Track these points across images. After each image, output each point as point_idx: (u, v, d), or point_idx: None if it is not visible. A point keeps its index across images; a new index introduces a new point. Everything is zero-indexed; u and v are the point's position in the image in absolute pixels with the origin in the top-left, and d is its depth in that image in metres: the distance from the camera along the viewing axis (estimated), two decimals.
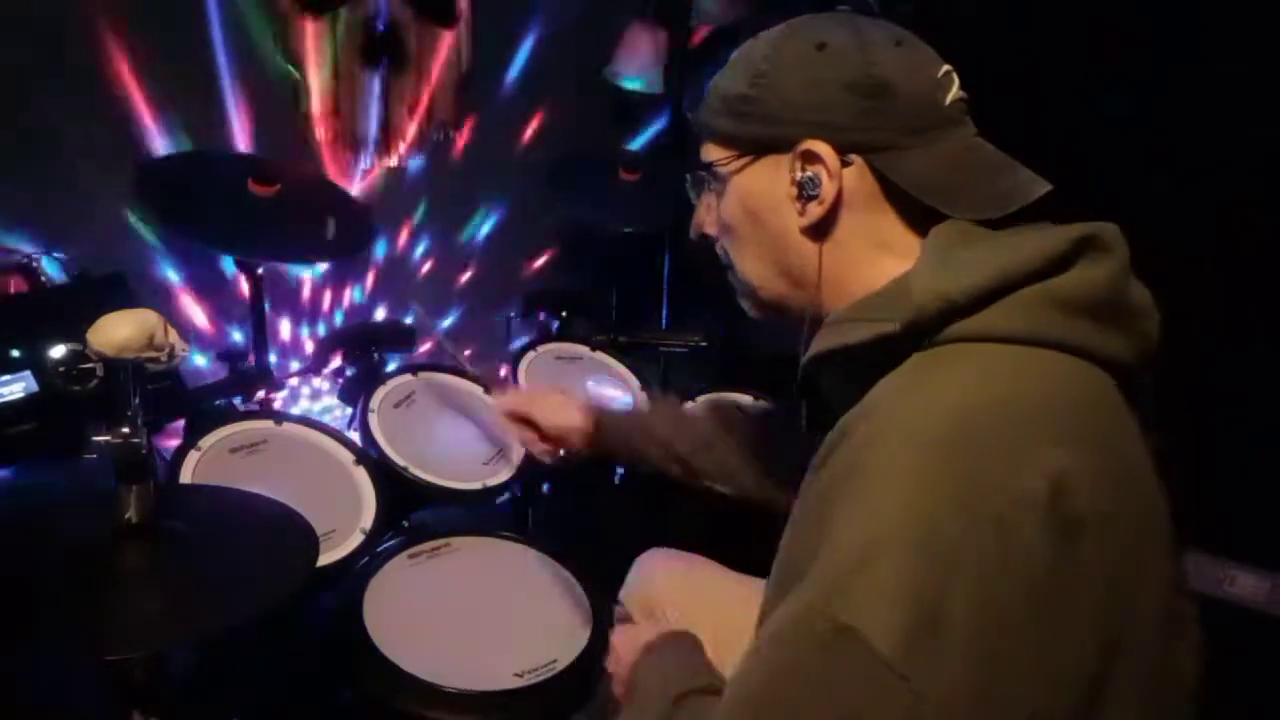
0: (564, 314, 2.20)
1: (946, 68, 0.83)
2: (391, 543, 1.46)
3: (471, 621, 1.34)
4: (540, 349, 2.03)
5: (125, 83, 1.98)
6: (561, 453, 1.40)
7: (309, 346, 2.45)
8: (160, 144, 2.04)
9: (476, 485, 1.63)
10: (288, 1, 2.16)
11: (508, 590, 1.42)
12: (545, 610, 1.38)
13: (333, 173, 2.35)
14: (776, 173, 0.85)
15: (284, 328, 2.41)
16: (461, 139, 2.57)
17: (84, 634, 0.91)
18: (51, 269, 1.64)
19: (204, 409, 1.68)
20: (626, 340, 2.16)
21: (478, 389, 1.84)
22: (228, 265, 2.19)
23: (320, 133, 2.30)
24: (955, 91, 0.83)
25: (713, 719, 0.71)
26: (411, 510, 1.66)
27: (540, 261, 2.88)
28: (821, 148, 0.81)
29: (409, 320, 1.24)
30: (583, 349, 2.09)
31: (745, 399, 2.04)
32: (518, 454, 1.73)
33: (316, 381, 2.34)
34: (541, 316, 2.22)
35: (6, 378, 1.37)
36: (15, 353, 1.39)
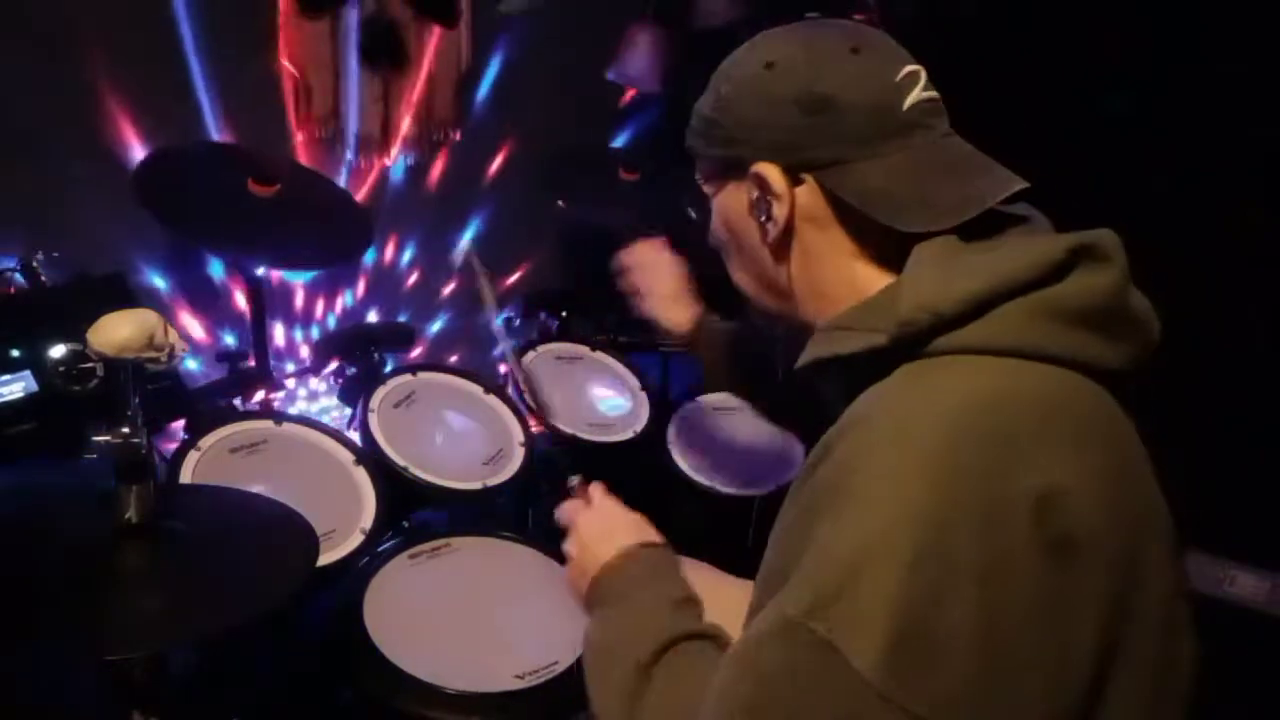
0: (564, 314, 2.20)
1: (909, 69, 0.81)
2: (391, 543, 1.46)
3: (472, 622, 1.34)
4: (540, 349, 2.03)
5: (125, 82, 1.98)
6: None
7: (303, 349, 2.45)
8: (160, 145, 2.04)
9: (476, 485, 1.63)
10: (288, 2, 2.16)
11: (508, 590, 1.42)
12: (546, 611, 1.38)
13: (332, 173, 2.35)
14: (738, 193, 0.87)
15: (277, 331, 2.40)
16: (460, 139, 2.56)
17: (84, 634, 0.91)
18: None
19: (204, 409, 1.68)
20: (626, 340, 2.16)
21: (477, 388, 1.84)
22: (228, 265, 2.19)
23: (320, 133, 2.30)
24: (918, 93, 0.81)
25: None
26: (411, 510, 1.66)
27: (537, 262, 2.87)
28: (768, 169, 0.83)
29: (458, 254, 1.28)
30: (583, 349, 2.09)
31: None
32: (518, 454, 1.73)
33: (316, 382, 2.34)
34: (541, 316, 2.22)
35: (6, 378, 1.37)
36: (15, 353, 1.39)
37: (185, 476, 1.38)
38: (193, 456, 1.41)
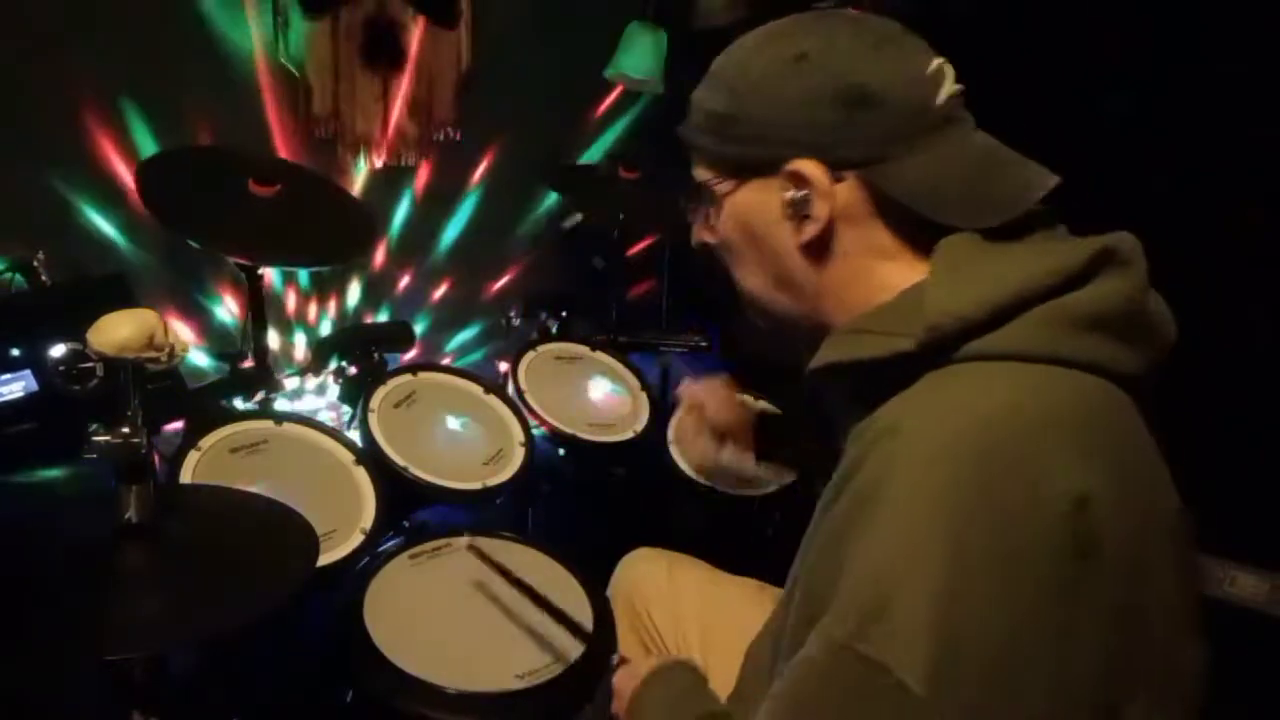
0: (564, 314, 2.20)
1: (938, 62, 0.79)
2: (391, 543, 1.46)
3: (472, 622, 1.34)
4: (540, 349, 2.03)
5: (125, 82, 1.98)
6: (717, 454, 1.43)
7: (298, 351, 2.45)
8: (160, 144, 2.04)
9: (476, 485, 1.63)
10: (288, 2, 2.16)
11: (508, 591, 1.42)
12: (545, 611, 1.37)
13: (333, 173, 2.35)
14: (765, 194, 0.82)
15: (277, 332, 2.40)
16: (461, 139, 2.56)
17: (84, 634, 0.90)
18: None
19: (204, 409, 1.68)
20: (626, 340, 2.16)
21: (477, 388, 1.84)
22: (228, 265, 2.19)
23: (320, 133, 2.30)
24: (949, 86, 0.79)
25: None
26: (411, 510, 1.66)
27: (536, 263, 2.87)
28: (809, 167, 0.78)
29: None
30: (583, 349, 2.09)
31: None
32: (518, 454, 1.73)
33: (316, 381, 2.34)
34: (541, 316, 2.22)
35: (6, 378, 1.37)
36: (15, 353, 1.39)
37: (185, 476, 1.37)
38: (193, 456, 1.41)
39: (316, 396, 2.37)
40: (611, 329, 2.19)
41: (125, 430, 0.98)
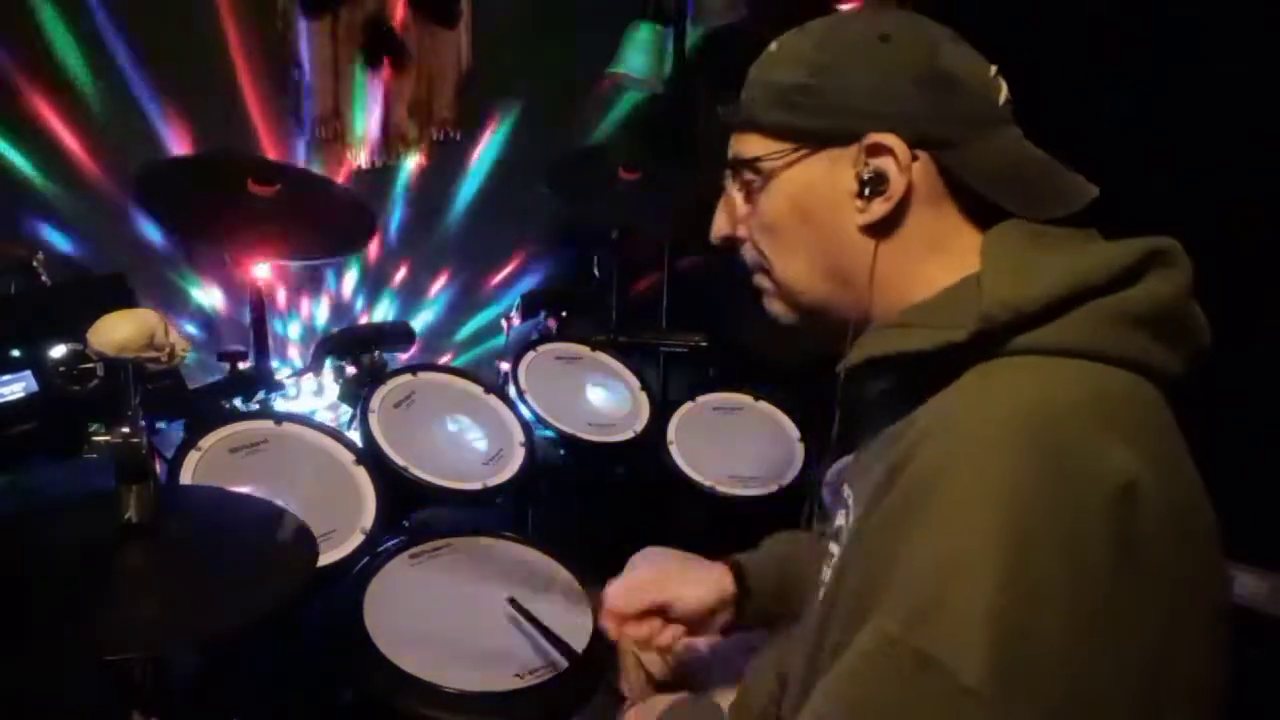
0: (564, 314, 2.20)
1: (995, 68, 0.81)
2: (391, 543, 1.46)
3: (472, 622, 1.34)
4: (540, 349, 2.03)
5: (124, 81, 1.98)
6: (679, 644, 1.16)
7: (297, 351, 2.45)
8: (160, 144, 2.04)
9: (476, 485, 1.63)
10: (288, 2, 2.16)
11: (508, 590, 1.42)
12: (545, 610, 1.38)
13: (333, 173, 2.35)
14: (835, 167, 0.80)
15: (277, 331, 2.40)
16: (461, 139, 2.56)
17: (84, 634, 0.90)
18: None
19: (204, 409, 1.68)
20: (626, 340, 2.16)
21: (478, 388, 1.84)
22: (228, 265, 2.19)
23: (320, 133, 2.30)
24: (1005, 93, 0.81)
25: None
26: (411, 510, 1.66)
27: (535, 262, 2.87)
28: (891, 140, 0.77)
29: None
30: (583, 349, 2.09)
31: (746, 399, 2.04)
32: (518, 454, 1.73)
33: (316, 381, 2.34)
34: (541, 316, 2.22)
35: (6, 378, 1.37)
36: (15, 353, 1.39)
37: (185, 476, 1.37)
38: (193, 456, 1.41)
39: (316, 396, 2.36)
40: (611, 329, 2.19)
41: (125, 430, 0.98)
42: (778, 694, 0.97)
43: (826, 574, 0.80)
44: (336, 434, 1.57)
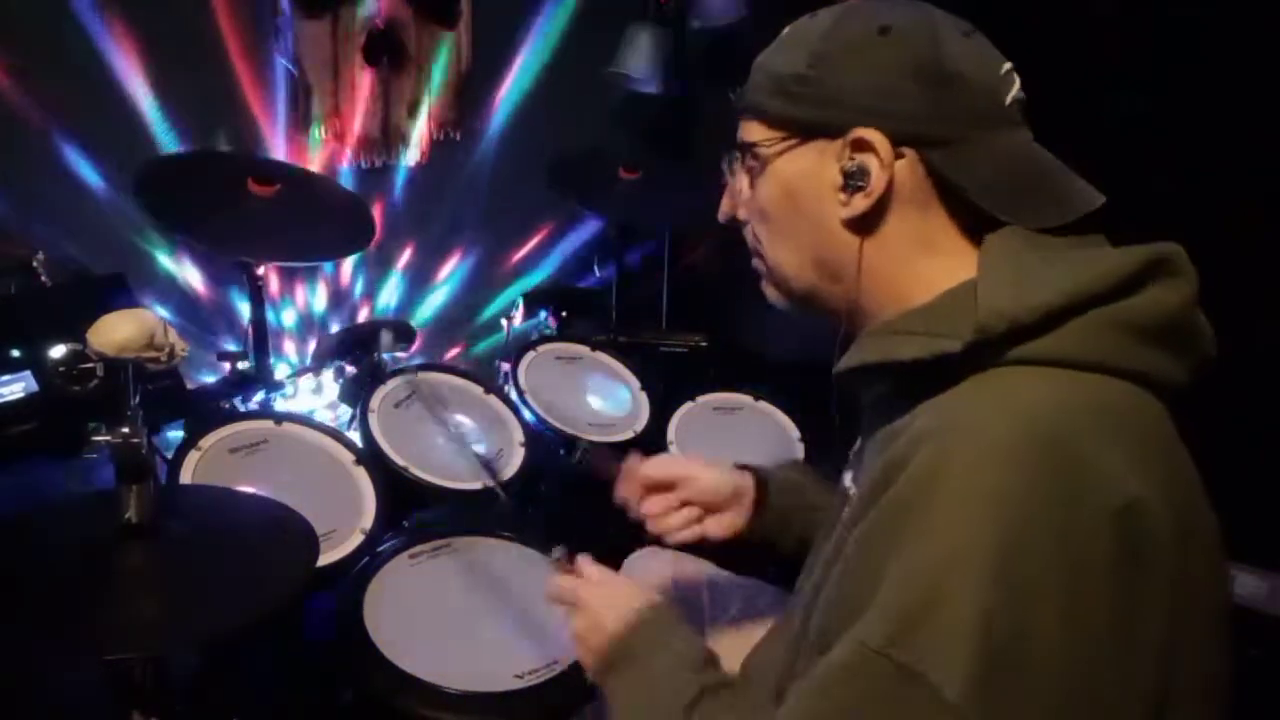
0: (564, 314, 2.20)
1: (1009, 65, 0.79)
2: (391, 543, 1.46)
3: (472, 622, 1.34)
4: (540, 349, 2.03)
5: (125, 81, 1.98)
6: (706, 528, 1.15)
7: (298, 351, 2.45)
8: (161, 144, 2.04)
9: (476, 485, 1.63)
10: (289, 1, 2.16)
11: (508, 590, 1.42)
12: (545, 610, 1.37)
13: (333, 172, 2.35)
14: (823, 159, 0.80)
15: (277, 331, 2.40)
16: (461, 139, 2.56)
17: (84, 634, 0.90)
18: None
19: (204, 409, 1.68)
20: (626, 340, 2.16)
21: (478, 388, 1.84)
22: (228, 265, 2.19)
23: (320, 133, 2.29)
24: (1016, 91, 0.78)
25: None
26: (411, 510, 1.66)
27: (535, 262, 2.87)
28: (874, 136, 0.76)
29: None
30: (583, 349, 2.09)
31: (746, 399, 2.04)
32: (518, 454, 1.73)
33: (316, 381, 2.34)
34: (541, 316, 2.22)
35: (6, 378, 1.37)
36: (15, 353, 1.39)
37: (185, 476, 1.38)
38: (193, 456, 1.41)
39: (316, 396, 2.37)
40: (611, 329, 2.19)
41: (125, 430, 0.98)
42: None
43: (818, 559, 0.80)
44: (336, 434, 1.57)
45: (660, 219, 2.42)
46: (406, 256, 2.61)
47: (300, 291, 2.45)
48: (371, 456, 1.57)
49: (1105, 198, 0.78)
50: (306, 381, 2.24)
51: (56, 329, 1.38)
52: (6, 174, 1.86)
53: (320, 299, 2.49)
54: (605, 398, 1.98)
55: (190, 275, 2.20)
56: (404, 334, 2.14)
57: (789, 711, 0.69)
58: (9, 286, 1.58)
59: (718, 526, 1.14)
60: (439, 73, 2.44)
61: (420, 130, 2.46)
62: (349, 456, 1.54)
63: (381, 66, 2.33)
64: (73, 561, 0.98)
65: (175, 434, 1.68)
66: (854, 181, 0.78)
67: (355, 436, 1.63)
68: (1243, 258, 1.78)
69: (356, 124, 2.35)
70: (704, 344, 2.21)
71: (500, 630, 1.33)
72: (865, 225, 0.79)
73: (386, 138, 2.41)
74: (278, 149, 2.24)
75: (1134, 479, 0.64)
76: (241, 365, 1.83)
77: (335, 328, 2.50)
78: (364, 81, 2.32)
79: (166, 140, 2.05)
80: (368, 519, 1.46)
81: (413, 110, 2.43)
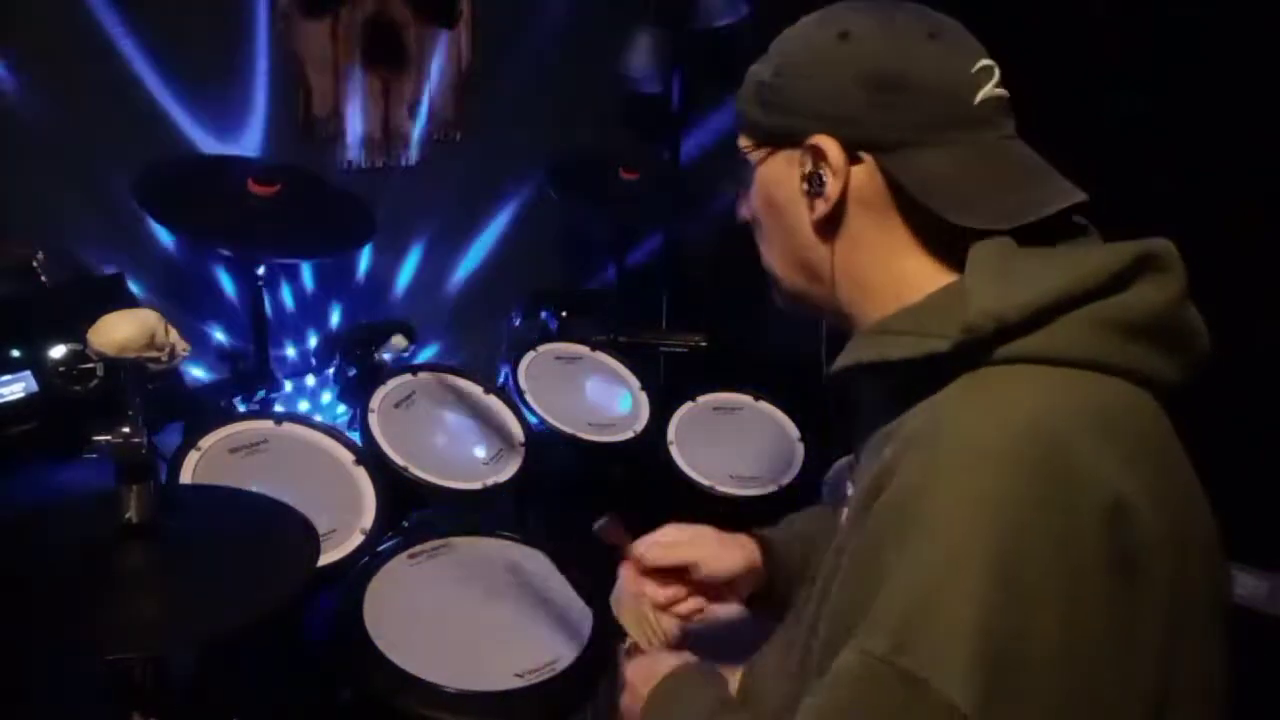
0: (564, 314, 2.20)
1: (984, 63, 0.78)
2: (391, 543, 1.46)
3: (472, 621, 1.34)
4: (540, 349, 2.03)
5: (125, 81, 1.98)
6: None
7: (298, 351, 2.45)
8: (161, 144, 2.04)
9: (476, 485, 1.63)
10: (288, 2, 2.16)
11: (508, 590, 1.42)
12: (545, 610, 1.38)
13: (333, 173, 2.35)
14: (789, 166, 0.82)
15: (277, 331, 2.40)
16: (461, 139, 2.56)
17: (84, 634, 0.90)
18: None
19: (204, 409, 1.68)
20: (626, 340, 2.16)
21: (477, 388, 1.84)
22: (229, 265, 2.19)
23: (320, 133, 2.29)
24: (990, 89, 0.77)
25: None
26: (411, 510, 1.66)
27: (535, 262, 2.87)
28: (827, 144, 0.78)
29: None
30: (583, 349, 2.09)
31: (746, 399, 2.04)
32: (518, 454, 1.73)
33: (316, 381, 2.34)
34: (542, 316, 2.22)
35: (6, 378, 1.37)
36: (15, 353, 1.39)
37: (185, 476, 1.38)
38: (193, 456, 1.41)
39: (316, 396, 2.37)
40: (611, 329, 2.19)
41: (125, 430, 0.98)
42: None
43: (821, 568, 0.80)
44: (336, 434, 1.57)
45: (660, 219, 2.42)
46: (406, 257, 2.61)
47: (300, 292, 2.44)
48: (371, 456, 1.57)
49: (1085, 196, 0.77)
50: (307, 381, 2.25)
51: (56, 329, 1.38)
52: (6, 173, 1.86)
53: (320, 299, 2.49)
54: (605, 398, 1.98)
55: (191, 275, 2.20)
56: (403, 334, 2.14)
57: None
58: (9, 286, 1.58)
59: (728, 603, 1.15)
60: (439, 73, 2.44)
61: (420, 130, 2.46)
62: (349, 456, 1.54)
63: (381, 66, 2.33)
64: (73, 561, 0.98)
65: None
66: (813, 188, 0.80)
67: (355, 436, 1.63)
68: (1243, 258, 1.78)
69: (356, 124, 2.35)
70: (704, 344, 2.21)
71: (500, 630, 1.33)
72: (831, 229, 0.81)
73: (386, 138, 2.41)
74: (278, 149, 2.24)
75: (1122, 480, 0.64)
76: (242, 365, 1.83)
77: (335, 328, 2.50)
78: (364, 81, 2.32)
79: (168, 140, 2.05)
80: (368, 519, 1.46)
81: (413, 110, 2.43)
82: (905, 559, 0.64)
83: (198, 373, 2.11)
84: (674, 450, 1.87)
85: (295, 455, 1.51)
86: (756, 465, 1.87)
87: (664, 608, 1.10)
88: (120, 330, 0.97)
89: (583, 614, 1.38)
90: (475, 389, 1.84)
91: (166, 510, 1.04)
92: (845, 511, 0.82)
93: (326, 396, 2.35)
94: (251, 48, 2.16)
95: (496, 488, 1.65)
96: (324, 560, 1.30)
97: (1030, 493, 0.62)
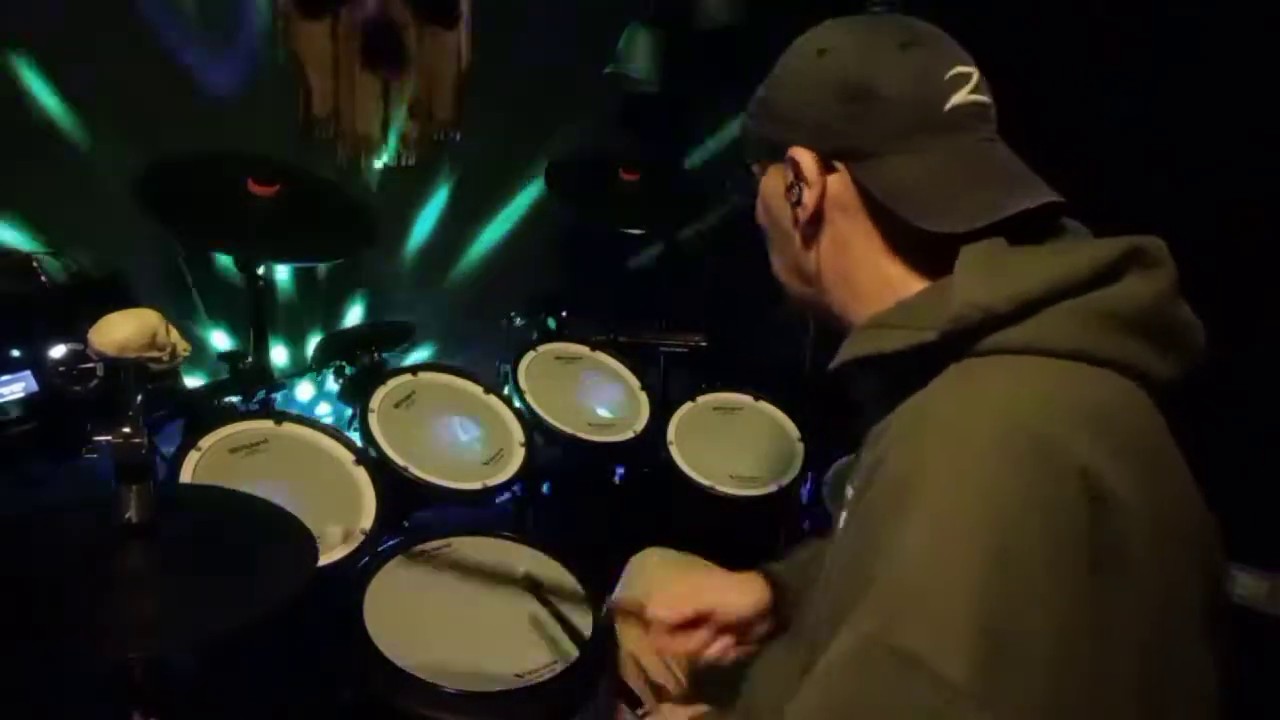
0: (564, 314, 2.20)
1: (960, 70, 0.80)
2: (391, 543, 1.46)
3: (472, 621, 1.34)
4: (540, 349, 2.03)
5: (125, 80, 1.98)
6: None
7: (301, 349, 2.45)
8: (161, 144, 2.04)
9: (476, 485, 1.63)
10: (288, 1, 2.16)
11: (508, 590, 1.42)
12: (545, 611, 1.37)
13: (332, 173, 2.35)
14: (777, 176, 0.87)
15: (277, 331, 2.40)
16: (461, 139, 2.56)
17: (84, 634, 0.90)
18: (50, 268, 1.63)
19: (204, 409, 1.68)
20: (626, 340, 2.17)
21: (478, 389, 1.84)
22: (229, 265, 2.19)
23: (320, 133, 2.29)
24: (964, 95, 0.79)
25: None
26: (411, 510, 1.66)
27: (535, 262, 2.87)
28: (802, 155, 0.83)
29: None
30: (583, 349, 2.09)
31: (746, 399, 2.04)
32: (518, 454, 1.73)
33: (316, 381, 2.34)
34: (542, 316, 2.22)
35: (6, 378, 1.37)
36: (15, 353, 1.39)
37: (185, 476, 1.38)
38: (193, 456, 1.41)
39: (316, 396, 2.37)
40: (611, 329, 2.19)
41: (125, 430, 0.98)
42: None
43: (825, 567, 0.81)
44: (336, 434, 1.57)
45: (660, 219, 2.42)
46: (406, 257, 2.61)
47: (300, 292, 2.44)
48: (371, 456, 1.57)
49: (1058, 197, 0.78)
50: (307, 381, 2.25)
51: (56, 329, 1.38)
52: (7, 172, 1.86)
53: (320, 299, 2.49)
54: (605, 398, 1.98)
55: (190, 275, 2.20)
56: (404, 334, 2.14)
57: (794, 708, 0.70)
58: (9, 286, 1.58)
59: (746, 646, 1.15)
60: (439, 73, 2.44)
61: (420, 130, 2.46)
62: (349, 456, 1.54)
63: (381, 66, 2.33)
64: (73, 561, 0.98)
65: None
66: (793, 197, 0.85)
67: (355, 436, 1.63)
68: (1242, 257, 1.78)
69: (356, 124, 2.35)
70: (704, 344, 2.22)
71: (500, 630, 1.33)
72: (814, 235, 0.86)
73: (386, 138, 2.41)
74: (278, 149, 2.24)
75: (1110, 469, 0.65)
76: (242, 365, 1.83)
77: (335, 328, 2.50)
78: (364, 81, 2.32)
79: (168, 139, 2.05)
80: (368, 519, 1.46)
81: (413, 110, 2.43)
82: (896, 544, 0.65)
83: (197, 373, 2.11)
84: (674, 450, 1.87)
85: (295, 455, 1.51)
86: (756, 465, 1.87)
87: (695, 654, 1.12)
88: (120, 330, 0.97)
89: (583, 614, 1.38)
90: (475, 389, 1.84)
91: (166, 510, 1.04)
92: (842, 513, 0.82)
93: (326, 397, 2.35)
94: (252, 47, 2.16)
95: (496, 488, 1.65)
96: (324, 560, 1.31)
97: (1016, 476, 0.63)
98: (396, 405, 1.72)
